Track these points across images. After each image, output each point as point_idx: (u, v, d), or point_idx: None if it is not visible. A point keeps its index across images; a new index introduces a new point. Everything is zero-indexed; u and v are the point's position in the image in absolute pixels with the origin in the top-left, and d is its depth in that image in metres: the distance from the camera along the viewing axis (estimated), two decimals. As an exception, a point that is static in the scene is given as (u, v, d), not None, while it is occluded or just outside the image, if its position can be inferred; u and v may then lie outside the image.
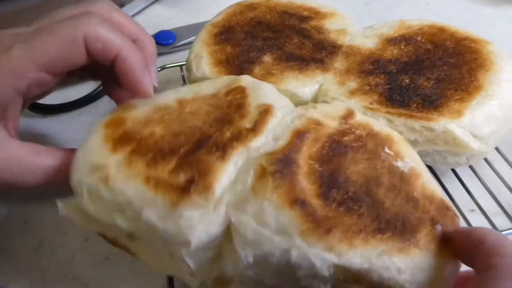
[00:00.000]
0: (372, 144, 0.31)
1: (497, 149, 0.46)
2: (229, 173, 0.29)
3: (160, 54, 0.64)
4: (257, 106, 0.33)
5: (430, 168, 0.44)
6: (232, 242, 0.27)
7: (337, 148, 0.30)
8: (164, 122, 0.33)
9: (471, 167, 0.44)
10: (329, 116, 0.32)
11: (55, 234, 0.44)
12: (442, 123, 0.38)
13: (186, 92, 0.37)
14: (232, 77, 0.38)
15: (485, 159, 0.45)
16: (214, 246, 0.29)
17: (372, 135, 0.32)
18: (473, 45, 0.45)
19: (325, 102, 0.43)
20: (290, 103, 0.37)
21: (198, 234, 0.27)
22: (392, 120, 0.40)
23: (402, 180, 0.29)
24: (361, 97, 0.42)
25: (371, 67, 0.45)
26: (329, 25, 0.51)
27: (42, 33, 0.35)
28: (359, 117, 0.34)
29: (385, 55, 0.46)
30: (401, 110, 0.40)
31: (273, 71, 0.45)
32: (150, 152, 0.31)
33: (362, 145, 0.31)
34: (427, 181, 0.30)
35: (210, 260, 0.29)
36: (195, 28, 0.64)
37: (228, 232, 0.28)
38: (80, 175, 0.31)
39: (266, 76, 0.44)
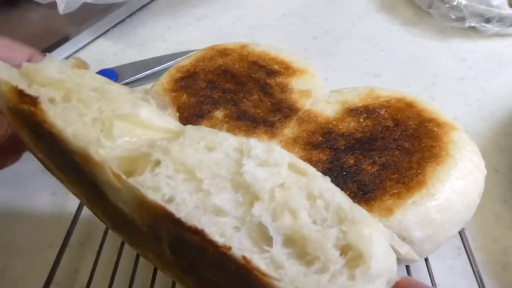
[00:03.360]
0: None
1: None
2: None
3: None
4: None
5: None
6: None
7: None
8: None
9: (407, 266, 0.41)
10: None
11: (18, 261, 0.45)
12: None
13: None
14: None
15: (426, 260, 0.41)
16: (142, 141, 0.28)
17: None
18: (435, 129, 0.42)
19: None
20: None
21: (150, 113, 0.28)
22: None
23: None
24: (295, 174, 0.39)
25: (320, 139, 0.42)
26: (295, 83, 0.48)
27: None
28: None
29: (340, 127, 0.43)
30: (329, 197, 0.37)
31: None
32: None
33: None
34: None
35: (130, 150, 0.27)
36: (139, 66, 0.64)
37: None
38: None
39: (210, 133, 0.43)
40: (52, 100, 0.29)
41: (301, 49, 0.71)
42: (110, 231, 0.45)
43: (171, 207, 0.24)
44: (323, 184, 0.25)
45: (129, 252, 0.44)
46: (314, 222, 0.24)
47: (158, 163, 0.26)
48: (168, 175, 0.25)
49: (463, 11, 0.71)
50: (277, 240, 0.23)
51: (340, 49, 0.72)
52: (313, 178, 0.25)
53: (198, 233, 0.23)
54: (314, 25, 0.77)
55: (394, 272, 0.26)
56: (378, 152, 0.40)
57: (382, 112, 0.44)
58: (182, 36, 0.77)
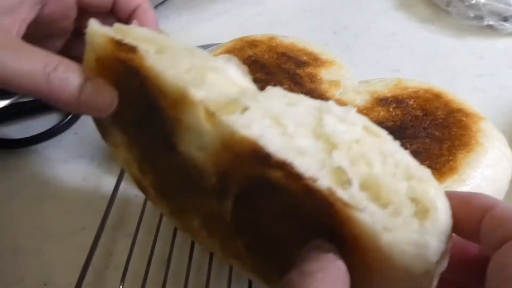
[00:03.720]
0: None
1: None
2: None
3: None
4: None
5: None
6: None
7: None
8: None
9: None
10: None
11: (12, 279, 0.45)
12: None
13: None
14: None
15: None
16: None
17: None
18: (464, 119, 0.43)
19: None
20: None
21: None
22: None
23: None
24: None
25: (351, 126, 0.43)
26: (324, 74, 0.50)
27: None
28: None
29: (370, 116, 0.44)
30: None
31: (252, 116, 0.44)
32: None
33: None
34: None
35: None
36: None
37: None
38: None
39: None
40: (146, 52, 0.30)
41: (321, 44, 0.72)
42: (144, 217, 0.46)
43: (261, 142, 0.25)
44: (394, 146, 0.26)
45: (164, 239, 0.45)
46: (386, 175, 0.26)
47: (246, 108, 0.26)
48: (257, 118, 0.26)
49: (481, 9, 0.72)
50: (355, 182, 0.24)
51: (360, 45, 0.73)
52: (385, 139, 0.26)
53: (285, 167, 0.24)
54: (334, 21, 0.78)
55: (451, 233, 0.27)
56: (409, 140, 0.41)
57: (411, 102, 0.45)
58: (203, 31, 0.78)
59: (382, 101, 0.45)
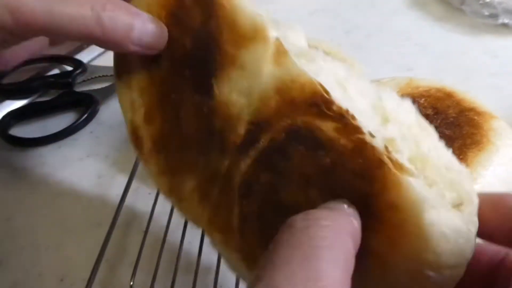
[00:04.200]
0: None
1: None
2: None
3: None
4: None
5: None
6: None
7: None
8: None
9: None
10: None
11: (30, 274, 0.46)
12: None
13: None
14: None
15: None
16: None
17: None
18: (475, 117, 0.43)
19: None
20: None
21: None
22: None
23: None
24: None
25: (362, 125, 0.44)
26: (336, 72, 0.50)
27: None
28: None
29: (381, 115, 0.44)
30: (374, 179, 0.39)
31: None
32: None
33: None
34: None
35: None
36: None
37: None
38: None
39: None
40: None
41: (334, 43, 0.72)
42: (155, 215, 0.47)
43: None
44: (439, 142, 0.27)
45: (174, 233, 0.46)
46: None
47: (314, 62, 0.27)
48: (324, 71, 0.26)
49: (496, 7, 0.72)
50: (406, 153, 0.24)
51: (373, 44, 0.73)
52: (432, 135, 0.27)
53: (344, 117, 0.23)
54: (346, 20, 0.78)
55: None
56: (420, 138, 0.41)
57: (422, 101, 0.45)
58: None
59: (393, 100, 0.46)
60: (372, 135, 0.23)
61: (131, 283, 0.42)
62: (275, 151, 0.26)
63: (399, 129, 0.25)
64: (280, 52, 0.26)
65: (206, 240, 0.44)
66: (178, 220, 0.46)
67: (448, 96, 0.45)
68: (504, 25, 0.72)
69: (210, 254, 0.44)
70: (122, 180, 0.52)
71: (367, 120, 0.24)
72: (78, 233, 0.49)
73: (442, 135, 0.41)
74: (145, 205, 0.50)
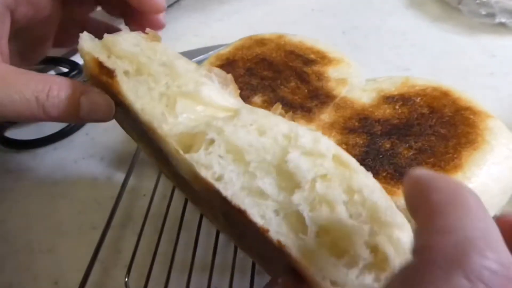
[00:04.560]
0: None
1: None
2: None
3: None
4: None
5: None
6: None
7: None
8: None
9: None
10: None
11: (24, 277, 0.46)
12: (403, 200, 0.36)
13: None
14: None
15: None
16: (203, 117, 0.30)
17: None
18: (471, 117, 0.42)
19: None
20: None
21: (211, 89, 0.31)
22: (355, 187, 0.38)
23: None
24: (333, 157, 0.40)
25: (357, 124, 0.43)
26: (331, 72, 0.49)
27: None
28: None
29: (376, 114, 0.44)
30: (368, 178, 0.38)
31: (258, 114, 0.45)
32: None
33: None
34: None
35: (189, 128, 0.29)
36: None
37: None
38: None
39: (249, 118, 0.44)
40: (126, 73, 0.31)
41: (330, 44, 0.72)
42: (150, 216, 0.47)
43: (219, 186, 0.26)
44: (364, 179, 0.26)
45: (169, 234, 0.45)
46: (350, 216, 0.25)
47: (212, 141, 0.27)
48: (220, 154, 0.27)
49: (493, 7, 0.71)
50: (312, 229, 0.25)
51: (370, 44, 0.73)
52: (355, 172, 0.26)
53: (241, 212, 0.25)
54: (343, 20, 0.78)
55: None
56: (414, 137, 0.41)
57: (418, 100, 0.45)
58: (213, 31, 0.78)
59: (388, 99, 0.45)
60: (266, 229, 0.25)
61: (126, 279, 0.41)
62: (227, 214, 0.30)
63: (310, 190, 0.25)
64: (175, 150, 0.28)
65: (201, 241, 0.44)
66: (172, 221, 0.46)
67: (444, 95, 0.45)
68: (502, 24, 0.72)
69: (204, 256, 0.44)
70: (117, 182, 0.52)
71: (270, 199, 0.26)
72: (72, 236, 0.49)
73: (438, 134, 0.41)
74: (140, 207, 0.49)
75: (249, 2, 0.83)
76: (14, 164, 0.57)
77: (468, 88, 0.63)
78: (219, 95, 0.31)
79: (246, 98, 0.46)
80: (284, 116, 0.29)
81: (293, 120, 0.29)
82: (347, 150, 0.41)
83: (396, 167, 0.39)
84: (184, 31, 0.79)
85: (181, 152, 0.27)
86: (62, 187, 0.54)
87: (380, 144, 0.41)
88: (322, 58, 0.51)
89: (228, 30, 0.78)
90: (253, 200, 0.26)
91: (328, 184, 0.25)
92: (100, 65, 0.32)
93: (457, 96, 0.45)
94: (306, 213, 0.25)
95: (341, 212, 0.25)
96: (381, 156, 0.40)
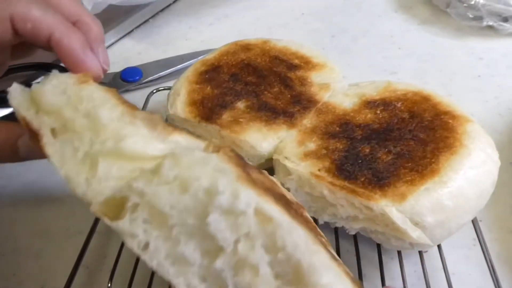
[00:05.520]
0: None
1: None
2: None
3: (126, 91, 0.67)
4: None
5: (378, 245, 0.43)
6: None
7: None
8: None
9: (419, 252, 0.42)
10: None
11: (10, 282, 0.46)
12: (382, 204, 0.37)
13: None
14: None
15: (438, 247, 0.42)
16: (129, 173, 0.30)
17: None
18: (450, 121, 0.43)
19: (277, 160, 0.42)
20: None
21: (134, 140, 0.30)
22: (333, 191, 0.39)
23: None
24: (313, 162, 0.41)
25: (338, 129, 0.44)
26: (315, 77, 0.50)
27: None
28: None
29: (357, 119, 0.45)
30: (346, 183, 0.39)
31: (241, 119, 0.45)
32: None
33: None
34: None
35: (115, 189, 0.29)
36: (162, 64, 0.67)
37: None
38: (57, 73, 0.34)
39: (232, 124, 0.45)
40: (53, 131, 0.32)
41: (319, 48, 0.72)
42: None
43: (145, 256, 0.26)
44: (288, 233, 0.25)
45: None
46: (276, 277, 0.25)
47: (136, 205, 0.27)
48: (144, 219, 0.27)
49: (480, 10, 0.72)
50: None
51: (358, 47, 0.73)
52: (278, 226, 0.25)
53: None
54: (333, 24, 0.78)
55: None
56: (394, 142, 0.42)
57: (399, 104, 0.45)
58: (203, 36, 0.79)
59: (370, 104, 0.46)
60: None
61: (109, 284, 0.42)
62: None
63: (232, 254, 0.25)
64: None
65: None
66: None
67: (424, 99, 0.45)
68: (489, 27, 0.72)
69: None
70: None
71: (193, 266, 0.26)
72: (59, 241, 0.49)
73: (416, 139, 0.41)
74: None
75: (239, 6, 0.84)
76: (2, 169, 0.57)
77: (455, 90, 0.64)
78: (145, 143, 0.30)
79: (230, 103, 0.47)
80: (218, 151, 0.29)
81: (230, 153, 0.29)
82: (327, 155, 0.41)
83: (375, 171, 0.39)
84: (176, 35, 0.79)
85: (108, 221, 0.28)
86: (50, 192, 0.54)
87: (360, 149, 0.41)
88: (306, 63, 0.52)
89: (219, 35, 0.79)
90: (178, 269, 0.26)
91: (251, 244, 0.25)
92: (28, 126, 0.32)
93: (437, 101, 0.45)
94: (229, 280, 0.25)
95: (266, 274, 0.25)
96: (360, 161, 0.40)
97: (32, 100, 0.33)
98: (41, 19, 0.35)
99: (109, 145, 0.30)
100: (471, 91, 0.64)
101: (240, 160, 0.29)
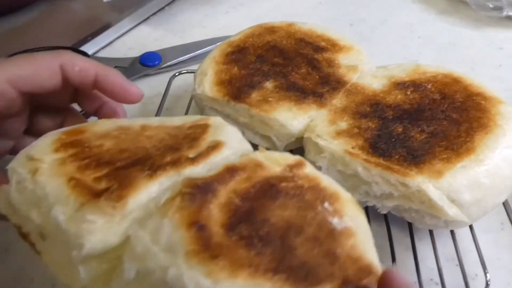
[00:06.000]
0: (311, 196, 0.30)
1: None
2: (151, 192, 0.29)
3: (145, 75, 0.66)
4: (210, 141, 0.33)
5: (409, 224, 0.42)
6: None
7: (269, 190, 0.29)
8: (118, 139, 0.34)
9: (452, 231, 0.42)
10: (275, 161, 0.32)
11: (35, 261, 0.43)
12: (418, 181, 0.37)
13: (154, 120, 0.37)
14: (203, 116, 0.37)
15: (470, 227, 0.42)
16: (110, 259, 0.29)
17: (316, 189, 0.31)
18: (483, 102, 0.43)
19: (309, 138, 0.42)
20: (249, 148, 0.36)
21: (93, 240, 0.27)
22: (368, 168, 0.38)
23: (329, 235, 0.28)
24: (346, 140, 0.41)
25: (368, 109, 0.43)
26: (342, 59, 0.50)
27: (19, 58, 0.38)
28: (308, 170, 0.32)
29: (387, 99, 0.44)
30: (381, 160, 0.38)
31: (270, 99, 0.45)
32: (87, 159, 0.31)
33: (299, 194, 0.30)
34: (359, 243, 0.29)
35: (103, 273, 0.29)
36: (180, 50, 0.67)
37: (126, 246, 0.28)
38: (15, 164, 0.32)
39: (261, 103, 0.44)
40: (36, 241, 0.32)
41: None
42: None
43: None
44: None
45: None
46: None
47: None
48: None
49: (501, 0, 0.72)
50: None
51: (377, 36, 0.73)
52: None
53: None
54: (350, 13, 0.78)
55: None
56: (426, 121, 0.41)
57: (429, 86, 0.45)
58: (220, 23, 0.78)
59: (399, 85, 0.45)
60: None
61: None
62: None
63: None
64: None
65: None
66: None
67: (455, 81, 0.45)
68: (509, 18, 0.72)
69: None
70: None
71: None
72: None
73: (449, 119, 0.41)
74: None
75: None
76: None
77: (476, 79, 0.64)
78: (104, 236, 0.28)
79: (257, 83, 0.47)
80: (175, 198, 0.29)
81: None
82: (359, 134, 0.41)
83: (409, 149, 0.39)
84: (192, 23, 0.79)
85: None
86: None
87: (392, 128, 0.41)
88: (333, 46, 0.51)
89: (234, 22, 0.78)
90: None
91: None
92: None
93: (468, 83, 0.45)
94: None
95: None
96: (393, 139, 0.40)
97: (10, 206, 0.32)
98: (86, 63, 0.40)
99: (76, 254, 0.28)
100: (493, 80, 0.64)
101: (198, 201, 0.28)
